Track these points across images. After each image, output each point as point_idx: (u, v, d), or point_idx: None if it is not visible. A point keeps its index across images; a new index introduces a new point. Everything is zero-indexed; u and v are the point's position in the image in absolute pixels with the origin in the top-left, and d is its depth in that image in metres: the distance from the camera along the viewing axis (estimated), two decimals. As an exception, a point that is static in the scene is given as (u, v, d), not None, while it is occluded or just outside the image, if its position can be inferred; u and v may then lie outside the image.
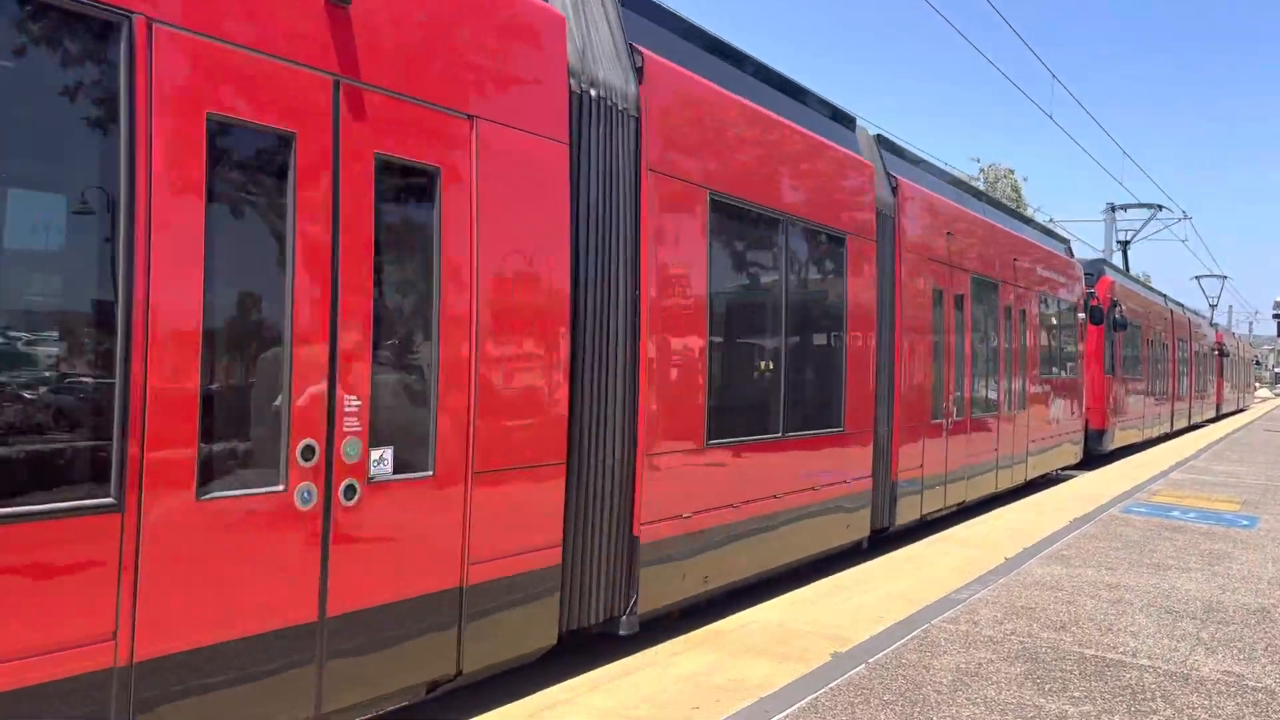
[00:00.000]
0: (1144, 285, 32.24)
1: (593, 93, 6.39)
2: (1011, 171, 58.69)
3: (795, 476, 8.70)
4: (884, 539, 10.71)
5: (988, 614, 7.16)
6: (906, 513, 11.18)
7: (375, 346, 4.85)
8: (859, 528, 10.07)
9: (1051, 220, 38.63)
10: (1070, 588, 8.09)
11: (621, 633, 6.69)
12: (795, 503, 8.69)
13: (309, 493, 4.50)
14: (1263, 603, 7.85)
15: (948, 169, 16.88)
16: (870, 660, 5.96)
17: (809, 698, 5.27)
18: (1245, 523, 12.03)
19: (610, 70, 6.62)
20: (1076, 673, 5.89)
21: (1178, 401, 32.81)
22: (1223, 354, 45.46)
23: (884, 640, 6.39)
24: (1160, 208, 35.90)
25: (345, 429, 4.65)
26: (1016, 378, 14.84)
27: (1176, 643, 6.64)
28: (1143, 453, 22.67)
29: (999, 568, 8.75)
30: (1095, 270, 22.65)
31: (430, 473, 5.11)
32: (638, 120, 6.77)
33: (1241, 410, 54.42)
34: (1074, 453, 19.00)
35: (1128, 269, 35.31)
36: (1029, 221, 18.90)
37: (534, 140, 5.83)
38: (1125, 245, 36.03)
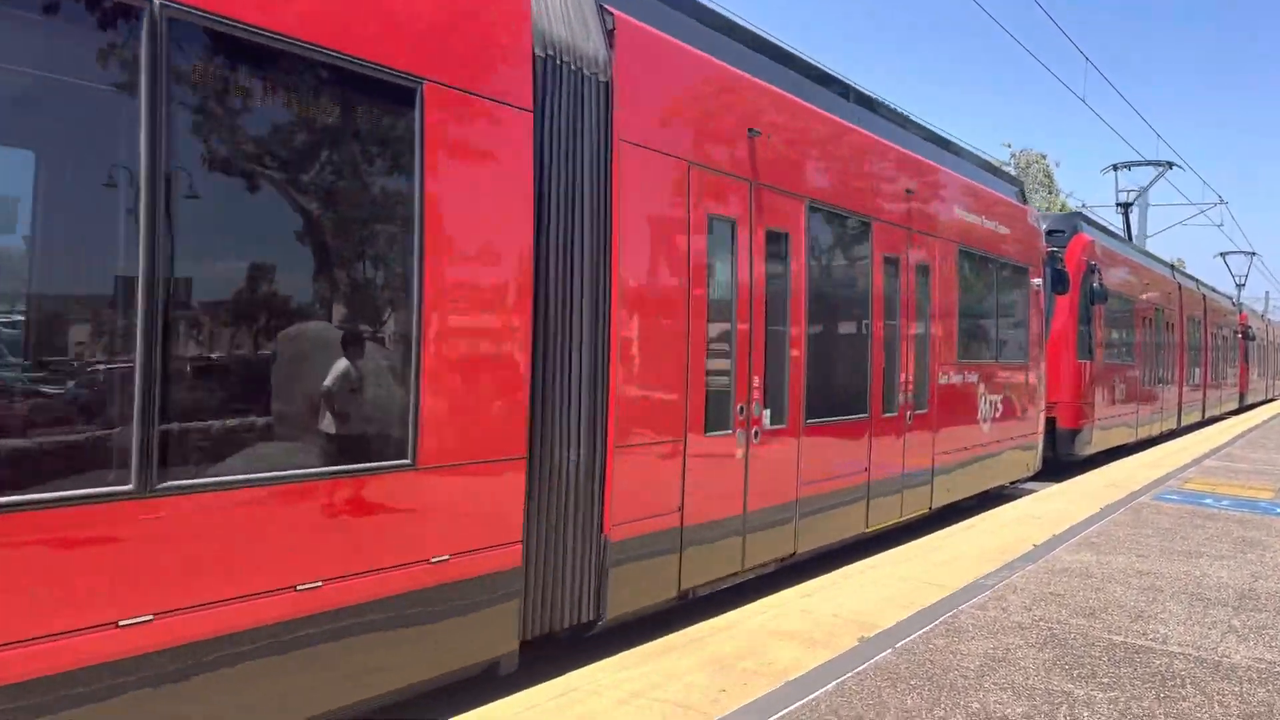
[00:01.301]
0: (1141, 251, 26.43)
1: (558, 57, 5.99)
2: (1044, 156, 58.08)
3: None
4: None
5: (1017, 600, 7.15)
6: (640, 596, 6.79)
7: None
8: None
9: (1084, 205, 37.04)
10: (1100, 575, 8.05)
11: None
12: None
13: None
14: (1296, 590, 7.78)
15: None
16: (897, 645, 5.97)
17: (836, 682, 5.30)
18: (1280, 510, 11.90)
19: (578, 31, 6.19)
20: (1105, 659, 5.88)
21: (1188, 392, 27.95)
22: (1247, 337, 40.55)
23: (911, 625, 6.40)
24: (1169, 165, 30.79)
25: None
26: (909, 365, 10.46)
27: (1208, 630, 6.60)
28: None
29: (1028, 554, 8.71)
30: (1067, 226, 18.38)
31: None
32: (608, 86, 6.34)
33: (1272, 399, 50.67)
34: (1025, 463, 14.28)
35: (1130, 234, 30.33)
36: (958, 152, 13.23)
37: (492, 106, 5.46)
38: (1127, 207, 31.23)
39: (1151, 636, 6.39)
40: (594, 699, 4.94)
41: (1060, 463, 16.80)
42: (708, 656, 5.66)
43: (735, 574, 7.77)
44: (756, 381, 7.82)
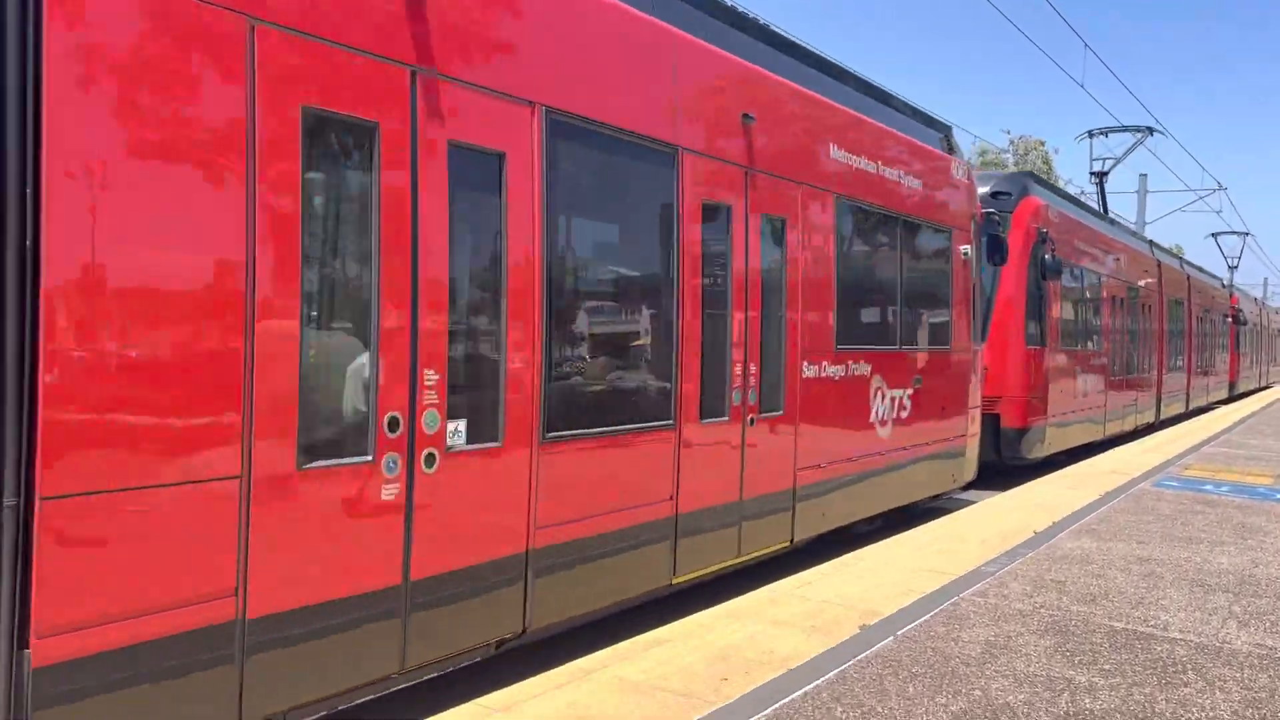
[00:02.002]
0: (1112, 222, 23.57)
1: None
2: (1043, 143, 57.95)
3: None
4: None
5: (1017, 587, 7.14)
6: None
7: None
8: None
9: (1082, 192, 36.14)
10: (1101, 561, 8.05)
11: None
12: None
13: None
14: (1297, 576, 7.78)
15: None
16: (899, 633, 5.97)
17: (838, 670, 5.29)
18: None
19: None
20: (1106, 645, 5.87)
21: (1169, 381, 25.41)
22: (1238, 321, 37.78)
23: (913, 613, 6.40)
24: (1150, 131, 28.02)
25: None
26: (751, 354, 7.79)
27: (1208, 616, 6.60)
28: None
29: (1030, 540, 8.72)
30: (1015, 188, 15.51)
31: None
32: None
33: (1267, 387, 48.05)
34: (950, 473, 11.52)
35: (1105, 208, 26.70)
36: (844, 79, 10.07)
37: None
38: (1102, 176, 28.08)
39: (1153, 623, 6.39)
40: (594, 687, 4.93)
41: (1004, 467, 14.56)
42: (709, 645, 5.65)
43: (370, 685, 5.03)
44: (433, 378, 5.15)
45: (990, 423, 13.81)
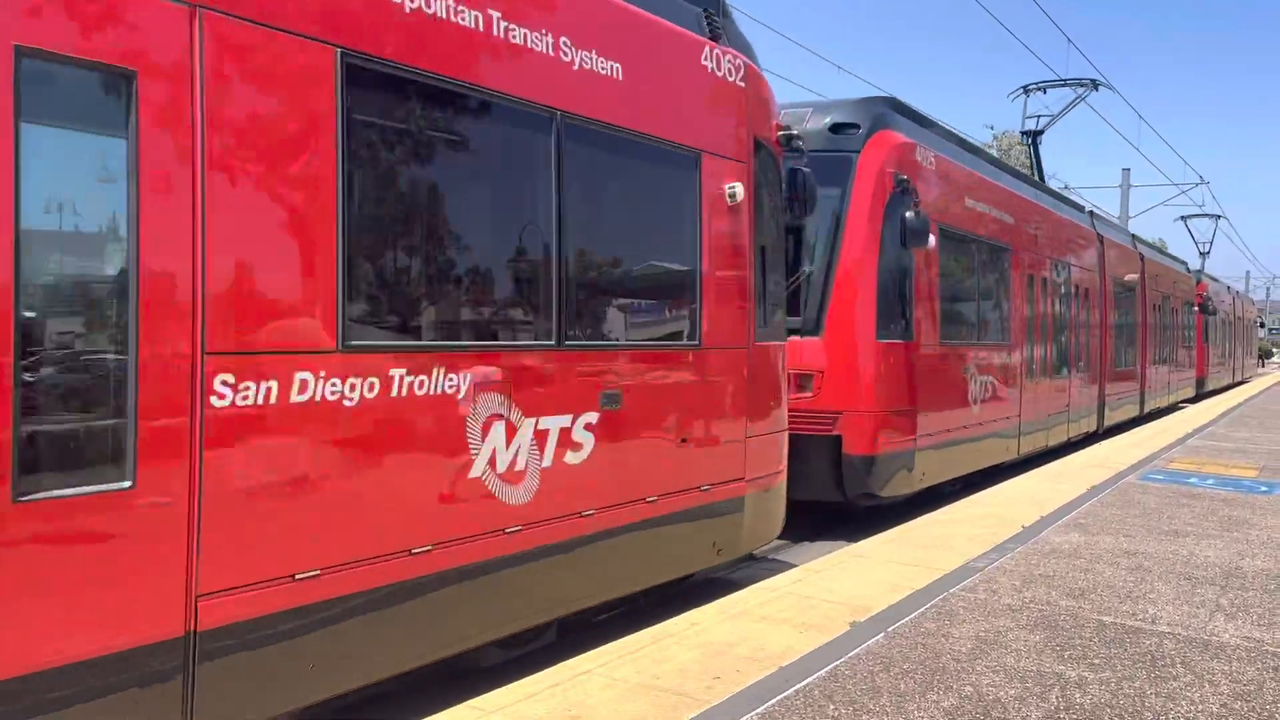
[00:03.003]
0: (1036, 184, 18.99)
1: None
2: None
3: None
4: None
5: (1006, 582, 7.18)
6: None
7: None
8: None
9: (1067, 187, 35.58)
10: (1089, 555, 8.10)
11: None
12: None
13: None
14: (1282, 568, 7.85)
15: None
16: (889, 629, 6.00)
17: (829, 667, 5.31)
18: (1265, 489, 12.00)
19: None
20: (1096, 640, 5.91)
21: (1114, 381, 21.10)
22: (1206, 311, 34.03)
23: (903, 609, 6.43)
24: (1094, 84, 24.88)
25: None
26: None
27: (1196, 609, 6.65)
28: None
29: (1018, 535, 8.76)
30: (865, 119, 11.14)
31: None
32: None
33: (1241, 383, 44.57)
34: (702, 543, 7.36)
35: (1039, 172, 23.95)
36: None
37: None
38: (1036, 135, 24.86)
39: (1141, 617, 6.43)
40: (589, 688, 4.93)
41: (844, 512, 11.11)
42: (701, 643, 5.66)
43: None
44: None
45: (827, 449, 10.40)
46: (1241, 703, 4.98)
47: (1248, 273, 78.55)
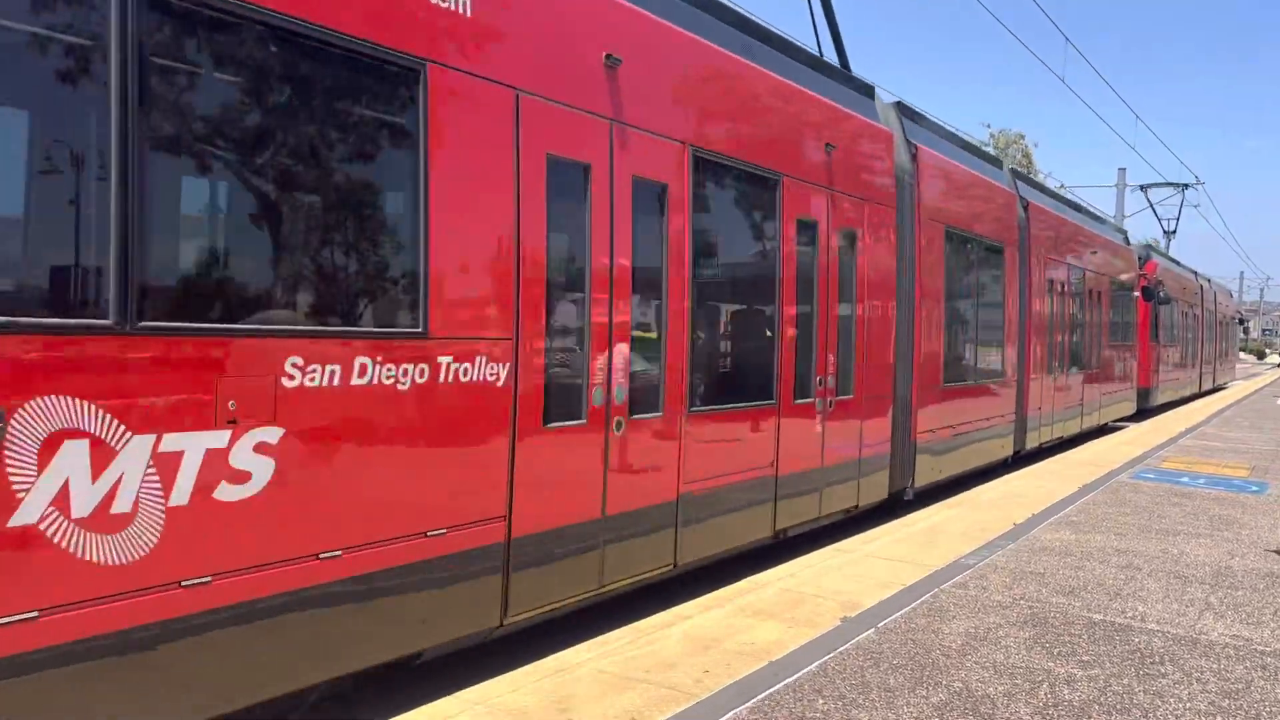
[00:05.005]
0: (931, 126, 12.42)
1: None
2: (1022, 136, 58.18)
3: None
4: None
5: (997, 579, 7.19)
6: None
7: None
8: None
9: (1063, 186, 34.64)
10: (1079, 553, 8.11)
11: None
12: None
13: None
14: (1272, 567, 7.86)
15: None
16: (879, 625, 6.00)
17: (819, 662, 5.31)
18: (1255, 488, 12.03)
19: None
20: (1085, 637, 5.92)
21: (987, 400, 13.38)
22: (1154, 299, 25.02)
23: (893, 605, 6.43)
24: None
25: None
26: None
27: (1185, 607, 6.66)
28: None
29: (1008, 532, 8.77)
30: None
31: None
32: None
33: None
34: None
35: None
36: None
37: None
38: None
39: (1130, 614, 6.44)
40: (579, 680, 4.93)
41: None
42: (691, 637, 5.66)
43: None
44: None
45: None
46: (1229, 701, 4.99)
47: (1241, 273, 78.72)
